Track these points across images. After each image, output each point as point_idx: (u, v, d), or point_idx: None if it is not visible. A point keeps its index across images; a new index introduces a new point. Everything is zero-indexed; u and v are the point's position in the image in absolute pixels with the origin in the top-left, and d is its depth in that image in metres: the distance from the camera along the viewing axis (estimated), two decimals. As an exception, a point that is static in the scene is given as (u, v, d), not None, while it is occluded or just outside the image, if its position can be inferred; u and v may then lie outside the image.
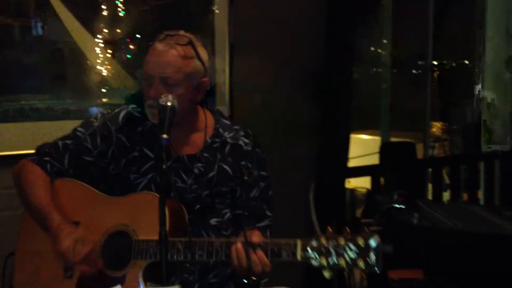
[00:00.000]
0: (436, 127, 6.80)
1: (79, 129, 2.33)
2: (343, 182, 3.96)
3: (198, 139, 2.31)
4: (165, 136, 1.91)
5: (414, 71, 6.42)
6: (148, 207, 2.08)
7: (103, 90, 3.29)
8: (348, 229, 1.91)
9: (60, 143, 2.32)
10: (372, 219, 3.07)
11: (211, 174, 2.27)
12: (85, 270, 2.12)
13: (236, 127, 2.38)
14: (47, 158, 2.28)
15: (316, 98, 3.93)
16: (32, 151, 2.32)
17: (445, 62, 6.59)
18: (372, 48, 6.22)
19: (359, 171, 4.37)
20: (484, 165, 5.23)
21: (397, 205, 2.96)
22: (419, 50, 5.64)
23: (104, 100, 3.31)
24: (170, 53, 2.15)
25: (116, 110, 2.35)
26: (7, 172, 2.38)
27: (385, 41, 5.86)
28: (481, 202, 5.18)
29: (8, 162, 2.45)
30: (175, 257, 2.04)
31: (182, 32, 2.22)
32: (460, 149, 6.47)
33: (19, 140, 3.05)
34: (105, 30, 3.26)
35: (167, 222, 2.00)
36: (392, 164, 4.26)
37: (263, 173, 2.37)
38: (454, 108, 6.83)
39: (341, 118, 3.85)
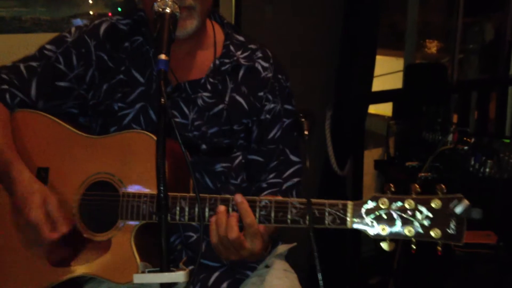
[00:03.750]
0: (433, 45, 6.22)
1: (48, 46, 1.80)
2: (366, 109, 3.39)
3: (203, 59, 1.80)
4: (163, 57, 1.35)
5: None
6: (139, 150, 1.60)
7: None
8: (417, 187, 1.39)
9: (22, 66, 1.79)
10: (418, 161, 2.49)
11: (219, 107, 1.76)
12: None
13: (252, 45, 1.85)
14: (5, 87, 1.76)
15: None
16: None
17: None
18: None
19: (382, 96, 3.81)
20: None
21: (460, 147, 2.36)
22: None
23: (85, 8, 2.69)
24: None
25: (96, 22, 1.82)
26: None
27: None
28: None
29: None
30: (177, 218, 1.53)
31: None
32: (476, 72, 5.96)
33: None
34: None
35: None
36: (418, 89, 3.65)
37: (288, 106, 1.86)
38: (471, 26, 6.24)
39: (367, 35, 3.25)
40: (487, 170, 2.41)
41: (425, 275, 2.59)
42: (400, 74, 4.35)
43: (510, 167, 2.46)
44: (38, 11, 2.59)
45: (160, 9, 1.47)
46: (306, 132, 1.52)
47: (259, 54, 1.83)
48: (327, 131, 3.30)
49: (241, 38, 1.85)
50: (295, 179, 1.83)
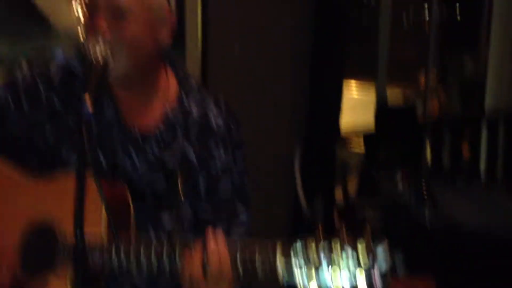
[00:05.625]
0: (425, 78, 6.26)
1: None
2: (334, 145, 3.41)
3: (156, 107, 1.76)
4: (88, 102, 1.35)
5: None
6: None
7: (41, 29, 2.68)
8: (343, 228, 1.39)
9: None
10: (368, 200, 2.49)
11: (167, 156, 1.74)
12: None
13: (205, 94, 1.82)
14: None
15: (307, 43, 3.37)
16: None
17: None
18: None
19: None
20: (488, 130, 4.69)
21: (401, 189, 2.36)
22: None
23: (44, 41, 2.70)
24: None
25: (49, 63, 1.79)
26: None
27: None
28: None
29: None
30: (114, 263, 1.51)
31: None
32: (457, 107, 5.98)
33: None
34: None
35: (102, 212, 1.52)
36: (390, 133, 3.68)
37: (238, 156, 1.81)
38: (452, 60, 6.31)
39: (334, 62, 3.29)
40: (426, 213, 2.39)
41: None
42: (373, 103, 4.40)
43: (445, 208, 2.45)
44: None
45: (91, 54, 1.47)
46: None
47: (211, 103, 1.80)
48: (296, 168, 3.31)
49: (194, 87, 1.82)
50: (244, 229, 1.79)
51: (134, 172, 1.72)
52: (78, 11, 1.65)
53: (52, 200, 1.62)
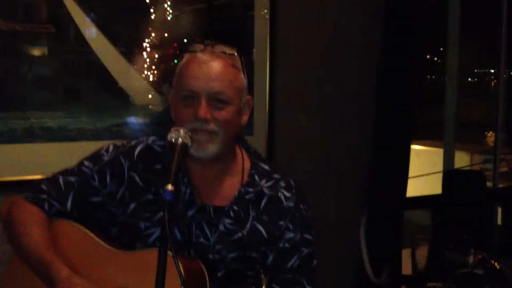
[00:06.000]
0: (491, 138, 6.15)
1: (86, 163, 1.92)
2: (401, 211, 3.40)
3: (229, 185, 1.86)
4: (170, 187, 1.44)
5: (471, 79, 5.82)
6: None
7: (124, 107, 2.86)
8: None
9: (61, 179, 1.91)
10: (438, 271, 2.45)
11: (240, 234, 1.82)
12: None
13: (276, 175, 1.92)
14: (44, 196, 1.88)
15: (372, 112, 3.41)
16: (41, 177, 1.96)
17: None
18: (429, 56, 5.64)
19: (418, 203, 3.79)
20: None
21: (477, 271, 2.32)
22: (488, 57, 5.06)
23: (125, 118, 2.88)
24: (219, 63, 1.76)
25: (133, 143, 1.93)
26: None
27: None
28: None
29: (15, 188, 2.08)
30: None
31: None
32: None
33: (27, 163, 2.70)
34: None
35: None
36: (457, 196, 3.63)
37: (307, 236, 1.89)
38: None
39: (400, 130, 3.32)
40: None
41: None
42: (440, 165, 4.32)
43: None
44: (83, 122, 2.79)
45: (173, 140, 1.59)
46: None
47: (283, 184, 1.89)
48: (362, 237, 3.30)
49: (266, 167, 1.91)
50: None
51: (208, 247, 1.80)
52: (172, 95, 1.78)
53: (132, 273, 1.72)
